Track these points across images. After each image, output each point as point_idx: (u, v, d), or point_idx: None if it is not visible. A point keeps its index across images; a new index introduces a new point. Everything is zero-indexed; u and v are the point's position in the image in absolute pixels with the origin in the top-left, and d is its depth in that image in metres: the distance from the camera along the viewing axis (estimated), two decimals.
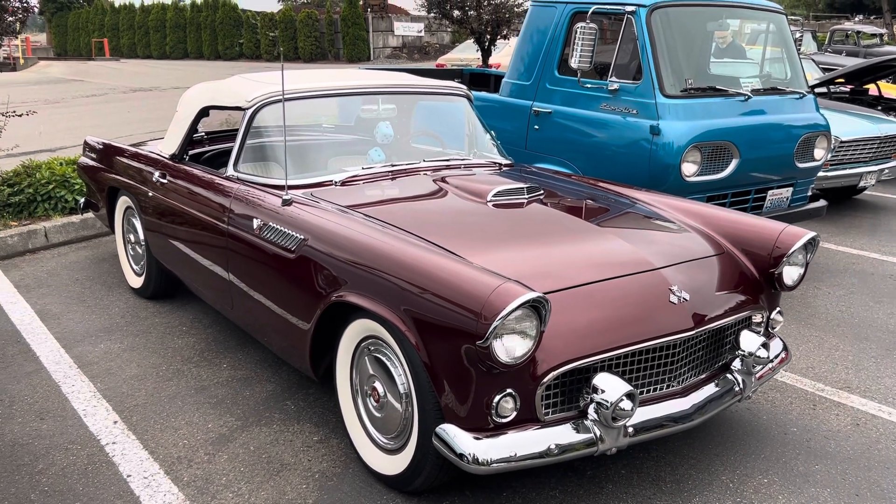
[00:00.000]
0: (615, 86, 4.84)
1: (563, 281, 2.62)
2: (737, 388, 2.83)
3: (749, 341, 2.84)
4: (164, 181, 4.15)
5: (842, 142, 6.67)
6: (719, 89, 4.91)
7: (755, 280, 3.08)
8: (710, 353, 2.86)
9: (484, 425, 2.38)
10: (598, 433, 2.43)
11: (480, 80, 8.20)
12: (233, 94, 3.93)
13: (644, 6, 4.74)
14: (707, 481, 2.90)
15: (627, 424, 2.47)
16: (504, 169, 4.04)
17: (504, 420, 2.38)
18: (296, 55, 34.99)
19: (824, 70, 10.57)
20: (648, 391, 2.66)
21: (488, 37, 15.28)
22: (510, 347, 2.29)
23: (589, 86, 5.01)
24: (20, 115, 6.47)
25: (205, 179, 3.86)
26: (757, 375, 2.91)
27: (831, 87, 9.25)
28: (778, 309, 3.15)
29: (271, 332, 3.36)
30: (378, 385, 2.79)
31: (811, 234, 3.10)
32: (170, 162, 4.25)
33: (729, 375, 2.85)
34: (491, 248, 2.83)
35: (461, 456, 2.34)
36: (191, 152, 4.38)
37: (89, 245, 5.93)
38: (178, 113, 4.39)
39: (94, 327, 4.32)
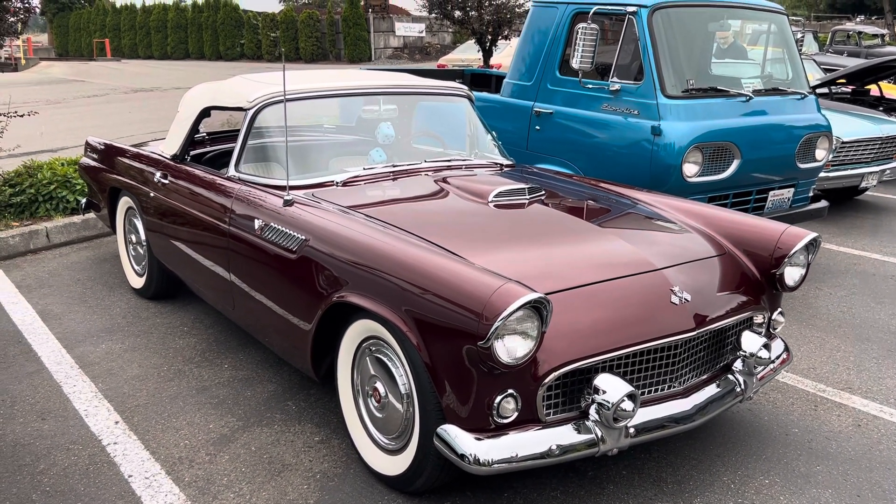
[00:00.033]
0: (616, 86, 4.84)
1: (564, 281, 2.62)
2: (738, 389, 2.82)
3: (750, 342, 2.84)
4: (166, 181, 4.16)
5: (843, 142, 6.66)
6: (721, 90, 4.91)
7: (756, 281, 3.08)
8: (712, 354, 2.86)
9: (485, 426, 2.38)
10: (599, 434, 2.43)
11: (482, 80, 8.21)
12: (234, 95, 3.93)
13: (645, 7, 4.74)
14: (708, 482, 2.90)
15: (629, 425, 2.47)
16: (505, 169, 4.04)
17: (505, 420, 2.38)
18: (297, 56, 35.01)
19: (826, 71, 10.57)
20: (650, 392, 2.66)
21: (489, 37, 15.29)
22: (511, 348, 2.29)
23: (590, 86, 5.01)
24: (22, 116, 6.48)
25: (206, 180, 3.86)
26: (758, 376, 2.91)
27: (833, 87, 9.24)
28: (779, 310, 3.14)
29: (272, 332, 3.37)
30: (379, 385, 2.79)
31: (813, 234, 3.10)
32: (171, 162, 4.25)
33: (730, 376, 2.85)
34: (492, 249, 2.83)
35: (462, 456, 2.34)
36: (192, 153, 4.38)
37: (91, 245, 5.94)
38: (179, 113, 4.40)
39: (96, 328, 4.32)
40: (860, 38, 21.39)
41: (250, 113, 3.69)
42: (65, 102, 17.45)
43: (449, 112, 4.35)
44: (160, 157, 4.38)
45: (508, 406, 2.37)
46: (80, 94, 19.98)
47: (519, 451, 2.36)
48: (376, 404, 2.83)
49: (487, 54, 15.42)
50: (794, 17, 28.87)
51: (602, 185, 3.93)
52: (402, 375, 2.66)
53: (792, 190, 5.29)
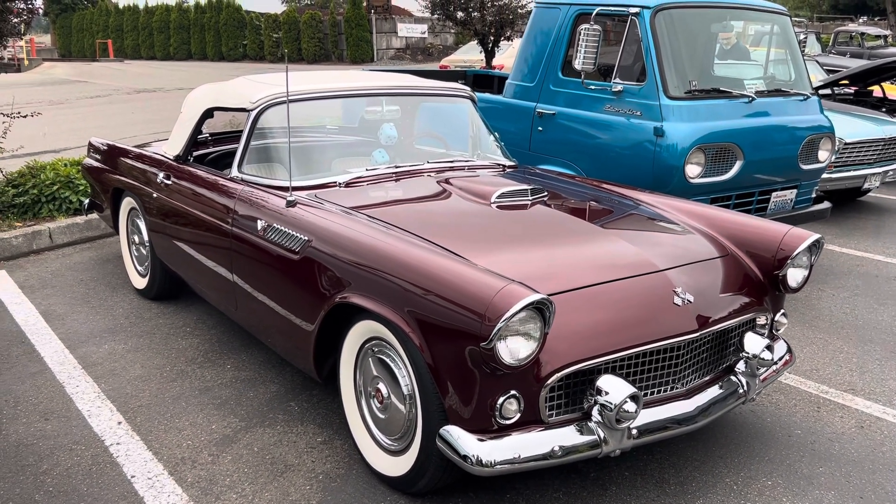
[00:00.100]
0: (619, 87, 4.84)
1: (567, 283, 2.62)
2: (741, 391, 2.82)
3: (753, 343, 2.84)
4: (169, 182, 4.16)
5: (846, 143, 6.66)
6: (723, 91, 4.91)
7: (759, 282, 3.07)
8: (714, 356, 2.86)
9: (488, 427, 2.38)
10: (601, 435, 2.43)
11: (484, 81, 8.21)
12: (237, 96, 3.94)
13: (648, 8, 4.74)
14: (711, 483, 2.90)
15: (631, 426, 2.47)
16: (508, 170, 4.04)
17: (508, 422, 2.38)
18: (299, 56, 35.03)
19: (828, 72, 10.57)
20: (652, 393, 2.66)
21: (492, 38, 15.27)
22: (514, 349, 2.29)
23: (593, 87, 5.01)
24: (25, 116, 6.49)
25: (209, 181, 3.87)
26: (761, 377, 2.91)
27: (835, 88, 9.23)
28: (782, 311, 3.14)
29: (275, 333, 3.37)
30: (382, 386, 2.79)
31: (815, 236, 3.10)
32: (174, 163, 4.26)
33: (733, 377, 2.85)
34: (495, 250, 2.83)
35: (465, 457, 2.34)
36: (195, 153, 4.39)
37: (93, 246, 5.95)
38: (182, 114, 4.41)
39: (99, 328, 4.33)
40: (863, 39, 21.36)
41: (253, 114, 3.69)
42: (68, 103, 17.48)
43: (451, 113, 4.36)
44: (163, 158, 4.38)
45: (511, 407, 2.37)
46: (82, 94, 20.02)
47: (521, 453, 2.36)
48: (379, 405, 2.83)
49: (490, 55, 15.40)
50: (796, 18, 28.82)
51: (604, 186, 3.92)
52: (405, 376, 2.66)
53: (794, 191, 5.29)
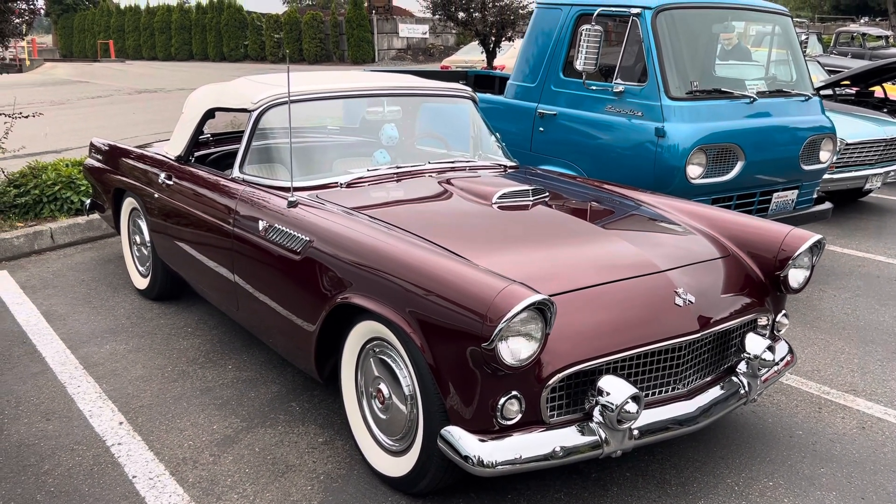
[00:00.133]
0: (620, 88, 4.84)
1: (568, 283, 2.62)
2: (742, 391, 2.82)
3: (754, 344, 2.84)
4: (170, 183, 4.16)
5: (847, 144, 6.66)
6: (725, 91, 4.91)
7: (760, 283, 3.07)
8: (716, 356, 2.86)
9: (489, 427, 2.38)
10: (603, 436, 2.43)
11: (485, 81, 8.21)
12: (238, 96, 3.94)
13: (649, 8, 4.74)
14: (712, 484, 2.90)
15: (632, 427, 2.46)
16: (509, 171, 4.05)
17: (509, 422, 2.38)
18: (301, 57, 35.05)
19: (830, 72, 10.56)
20: (653, 394, 2.66)
21: (493, 39, 15.27)
22: (515, 350, 2.29)
23: (594, 88, 5.01)
24: (26, 117, 6.50)
25: (210, 181, 3.87)
26: (762, 378, 2.91)
27: (837, 89, 9.23)
28: (783, 312, 3.14)
29: (276, 333, 3.37)
30: (383, 387, 2.79)
31: (817, 236, 3.10)
32: (175, 163, 4.26)
33: (734, 378, 2.85)
34: (496, 251, 2.83)
35: (466, 458, 2.34)
36: (196, 154, 4.39)
37: (95, 246, 5.95)
38: (183, 115, 4.41)
39: (100, 328, 4.33)
40: (864, 39, 21.36)
41: (254, 114, 3.70)
42: (69, 103, 17.50)
43: (452, 113, 4.36)
44: (164, 159, 4.39)
45: (512, 408, 2.37)
46: (84, 95, 20.04)
47: (523, 453, 2.36)
48: (380, 405, 2.84)
49: (491, 56, 15.40)
50: (798, 19, 28.81)
51: (606, 186, 3.92)
52: (406, 377, 2.66)
53: (796, 192, 5.29)
